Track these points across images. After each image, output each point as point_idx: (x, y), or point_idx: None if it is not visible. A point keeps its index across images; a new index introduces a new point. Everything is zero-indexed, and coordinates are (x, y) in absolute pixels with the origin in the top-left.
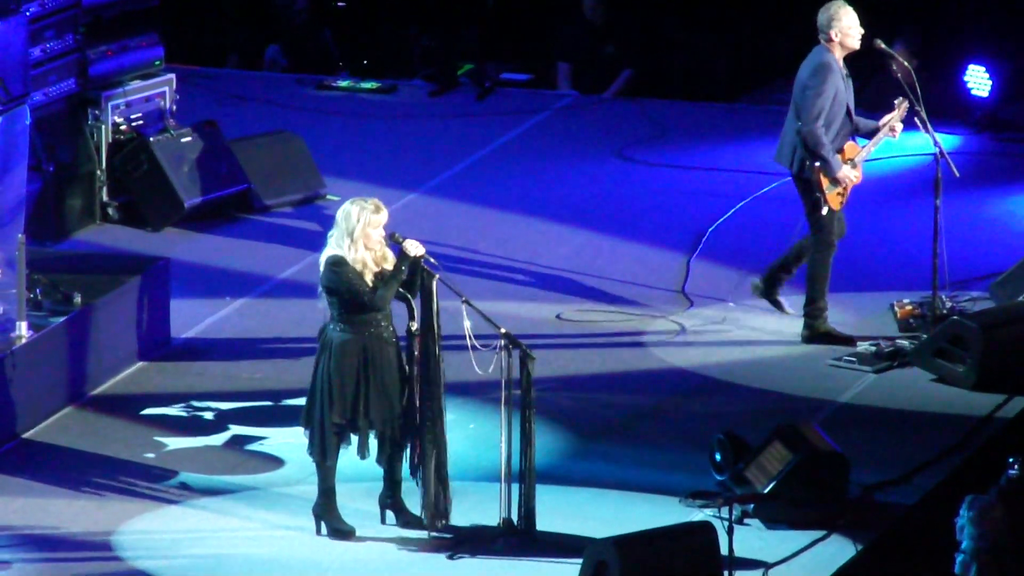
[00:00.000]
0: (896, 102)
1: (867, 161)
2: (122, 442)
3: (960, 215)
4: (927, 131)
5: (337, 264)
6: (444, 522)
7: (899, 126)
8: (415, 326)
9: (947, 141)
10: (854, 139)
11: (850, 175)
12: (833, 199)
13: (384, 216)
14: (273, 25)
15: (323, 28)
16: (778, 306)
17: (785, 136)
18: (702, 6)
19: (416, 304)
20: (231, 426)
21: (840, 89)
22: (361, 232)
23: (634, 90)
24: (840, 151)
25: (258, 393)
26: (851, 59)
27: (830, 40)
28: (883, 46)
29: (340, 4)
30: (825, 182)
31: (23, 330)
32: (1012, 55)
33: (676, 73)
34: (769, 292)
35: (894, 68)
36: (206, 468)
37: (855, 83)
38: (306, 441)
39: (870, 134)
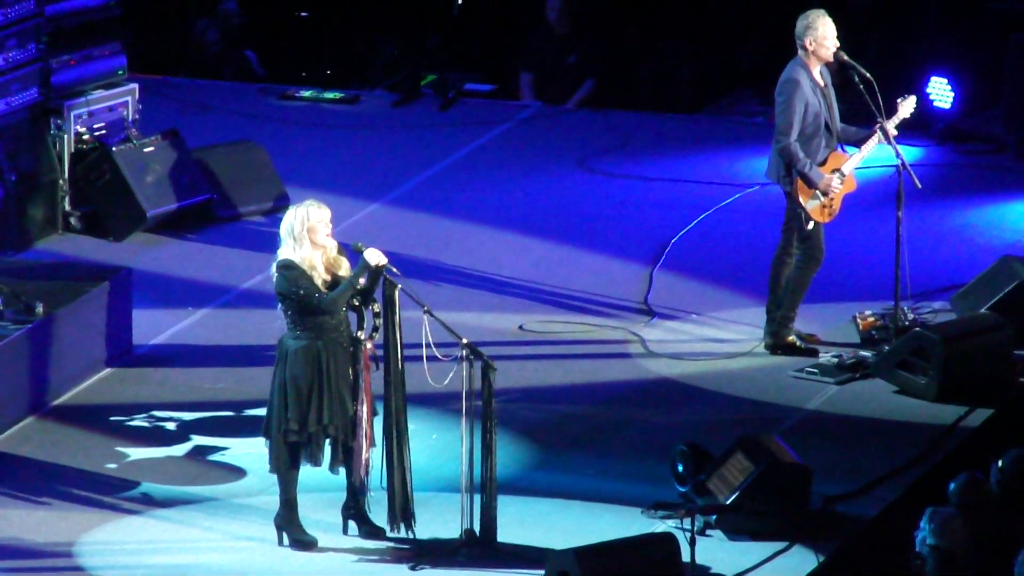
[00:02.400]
0: (899, 101)
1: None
2: (84, 452)
3: (922, 227)
4: (890, 143)
5: (286, 267)
6: (410, 526)
7: (892, 130)
8: (363, 335)
9: (909, 153)
10: (841, 148)
11: (834, 186)
12: (818, 213)
13: (326, 212)
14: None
15: (241, 52)
16: (806, 347)
17: (771, 152)
18: (665, 17)
19: (368, 314)
20: (193, 436)
21: (811, 102)
22: (302, 228)
23: (597, 100)
24: (823, 163)
25: (220, 403)
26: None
27: (804, 49)
28: (844, 57)
29: (303, 14)
30: (805, 196)
31: None
32: (974, 67)
33: (639, 84)
34: (784, 342)
35: (856, 79)
36: (168, 478)
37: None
38: (267, 452)
39: (859, 142)
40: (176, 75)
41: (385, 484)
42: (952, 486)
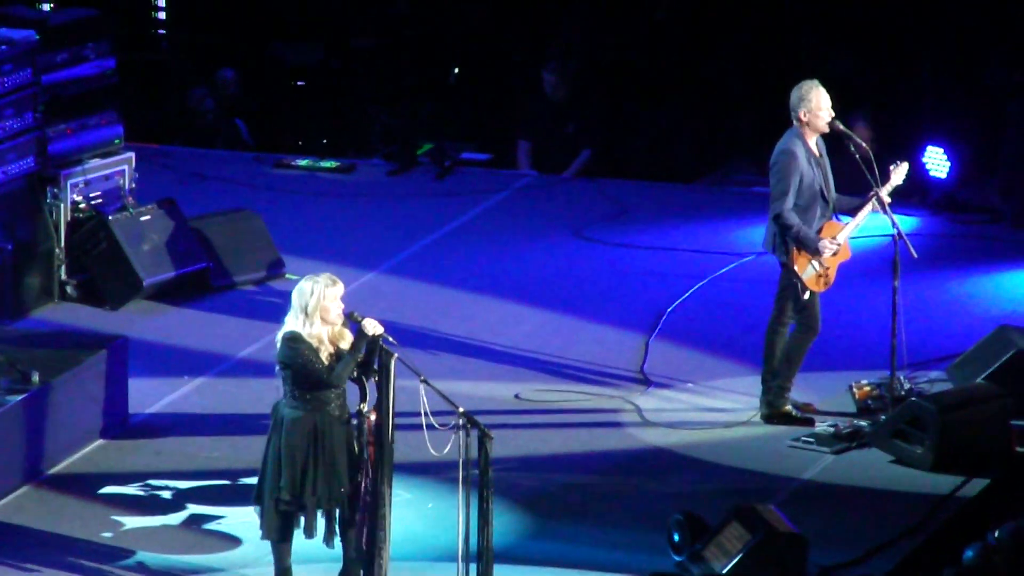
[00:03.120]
0: (892, 167)
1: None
2: (79, 521)
3: (918, 296)
4: (885, 212)
5: (293, 340)
6: None
7: (887, 198)
8: (365, 407)
9: (905, 222)
10: (836, 218)
11: (828, 246)
12: (813, 282)
13: (340, 289)
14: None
15: (232, 120)
16: (803, 417)
17: (768, 222)
18: (662, 87)
19: (370, 385)
20: (188, 505)
21: (806, 172)
22: (316, 306)
23: (594, 170)
24: (818, 231)
25: (216, 472)
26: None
27: (799, 120)
28: (841, 127)
29: (299, 83)
30: (801, 266)
31: None
32: (970, 137)
33: (636, 153)
34: (780, 411)
35: (852, 149)
36: (164, 547)
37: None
38: (257, 519)
39: (854, 211)
40: (172, 144)
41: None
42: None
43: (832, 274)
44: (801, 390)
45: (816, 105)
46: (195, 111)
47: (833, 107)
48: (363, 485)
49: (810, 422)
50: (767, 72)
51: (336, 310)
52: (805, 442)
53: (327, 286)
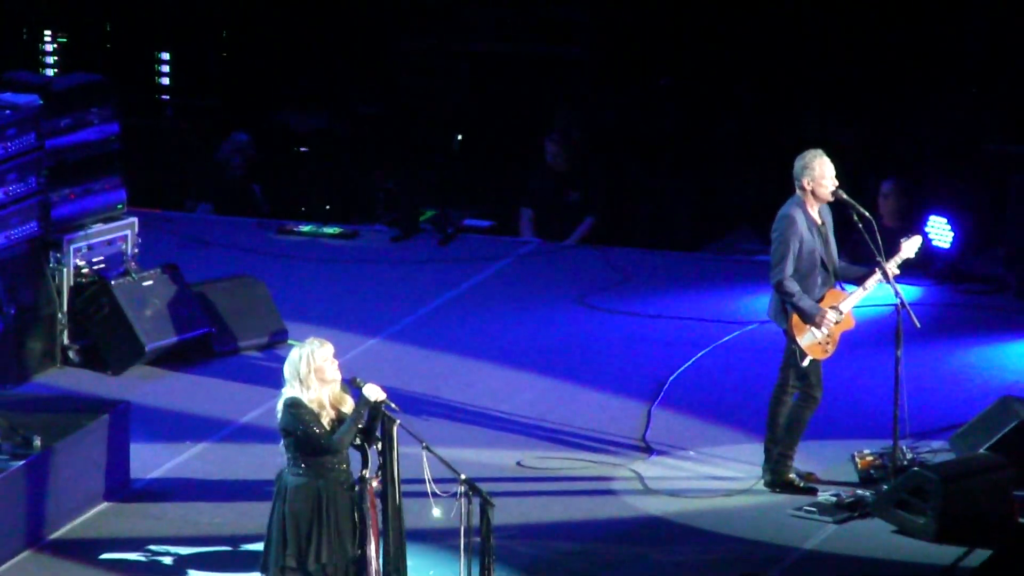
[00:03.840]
0: (903, 240)
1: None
2: None
3: (921, 366)
4: (889, 282)
5: (294, 406)
6: None
7: (892, 271)
8: (368, 473)
9: (908, 292)
10: (840, 286)
11: (828, 319)
12: (814, 349)
13: (329, 348)
14: (208, 178)
15: (251, 183)
16: (805, 486)
17: (772, 290)
18: (665, 155)
19: (372, 452)
20: (190, 571)
21: (806, 239)
22: (309, 370)
23: (597, 237)
24: (820, 299)
25: (218, 538)
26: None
27: (802, 188)
28: (843, 196)
29: (302, 149)
30: (800, 333)
31: None
32: (973, 207)
33: (639, 221)
34: (782, 479)
35: (855, 218)
36: None
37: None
38: None
39: (859, 280)
40: (175, 209)
41: None
42: None
43: (834, 343)
44: (803, 459)
45: (820, 174)
46: (224, 166)
47: (837, 176)
48: (367, 552)
49: (812, 491)
50: (770, 141)
51: (331, 369)
52: (807, 511)
53: (315, 349)
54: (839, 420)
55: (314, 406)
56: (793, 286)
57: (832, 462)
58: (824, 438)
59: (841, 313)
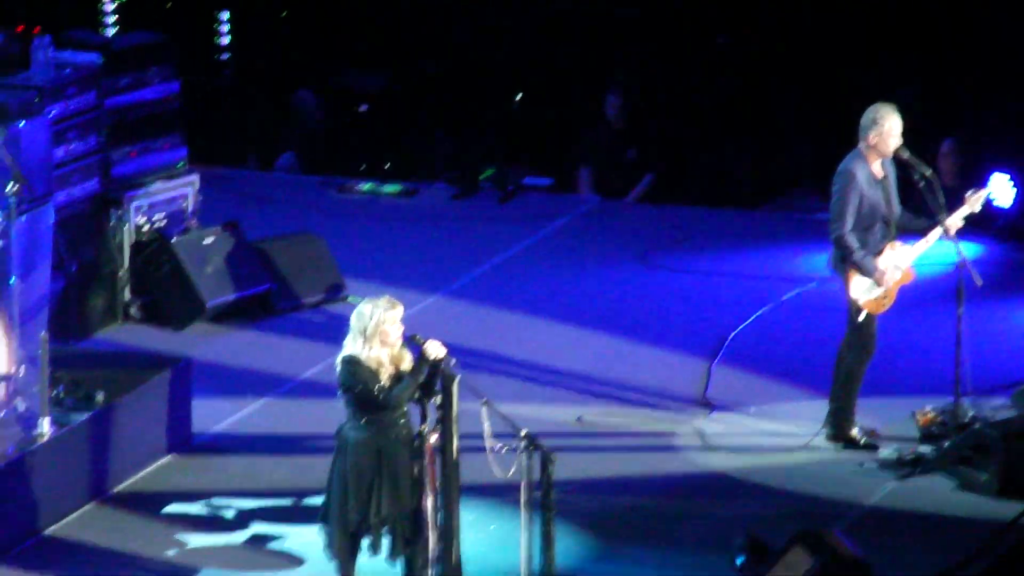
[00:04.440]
0: (967, 195)
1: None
2: (144, 539)
3: (983, 324)
4: (950, 239)
5: (352, 363)
6: None
7: (958, 224)
8: (426, 429)
9: (970, 250)
10: (901, 241)
11: (888, 278)
12: (871, 304)
13: (399, 311)
14: (292, 130)
15: (342, 133)
16: (866, 442)
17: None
18: (725, 112)
19: (431, 407)
20: (252, 524)
21: (867, 194)
22: (376, 330)
23: (656, 195)
24: (879, 254)
25: (279, 491)
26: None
27: (867, 142)
28: (906, 155)
29: (362, 107)
30: (858, 287)
31: (46, 427)
32: None
33: (699, 178)
34: (844, 436)
35: (916, 177)
36: (227, 566)
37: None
38: (323, 539)
39: (922, 232)
40: (237, 166)
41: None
42: None
43: (892, 298)
44: (865, 415)
45: (888, 130)
46: (302, 113)
47: (903, 134)
48: (424, 506)
49: (874, 448)
50: (830, 97)
51: (395, 333)
52: (869, 468)
53: (386, 309)
54: (901, 377)
55: (372, 364)
56: (852, 242)
57: (893, 419)
58: (885, 395)
59: (900, 268)
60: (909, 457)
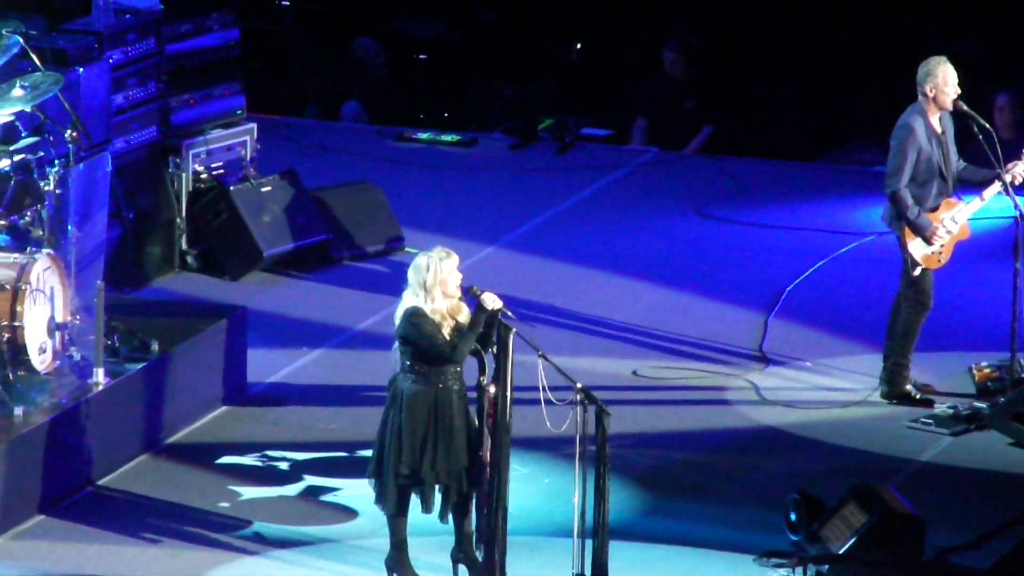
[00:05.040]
0: None
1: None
2: (197, 490)
3: None
4: (1008, 193)
5: (416, 315)
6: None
7: (1017, 179)
8: (485, 380)
9: None
10: (957, 196)
11: (940, 235)
12: (927, 259)
13: (455, 260)
14: (352, 78)
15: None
16: (922, 398)
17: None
18: (783, 64)
19: (488, 359)
20: (305, 476)
21: (925, 148)
22: (435, 280)
23: (714, 147)
24: (935, 209)
25: (333, 444)
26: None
27: (924, 95)
28: (963, 106)
29: (421, 56)
30: (912, 242)
31: (100, 376)
32: None
33: (756, 131)
34: (899, 391)
35: (976, 129)
36: (280, 518)
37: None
38: (373, 492)
39: (981, 185)
40: (295, 116)
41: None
42: None
43: (947, 253)
44: (920, 371)
45: (943, 81)
46: (367, 63)
47: (959, 86)
48: (484, 459)
49: (929, 403)
50: (891, 49)
51: (455, 282)
52: (924, 423)
53: (442, 259)
54: (957, 332)
55: (436, 317)
56: (907, 198)
57: (949, 374)
58: (942, 350)
59: (956, 223)
60: (965, 413)
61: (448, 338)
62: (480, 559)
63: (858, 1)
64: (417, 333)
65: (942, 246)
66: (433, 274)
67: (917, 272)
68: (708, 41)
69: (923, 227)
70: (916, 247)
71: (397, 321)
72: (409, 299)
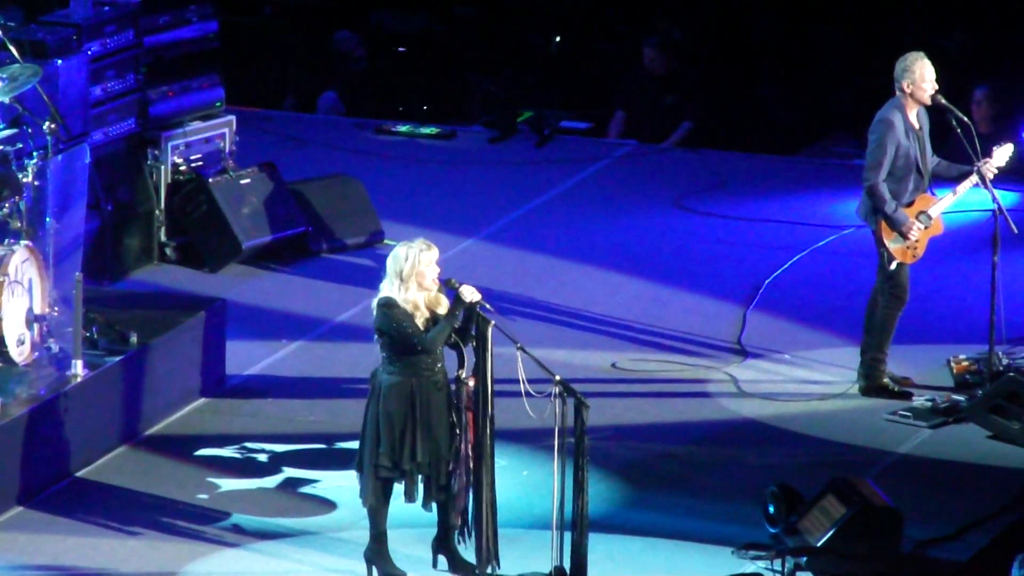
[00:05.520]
0: (995, 148)
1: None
2: (176, 482)
3: (1018, 272)
4: (986, 187)
5: (387, 306)
6: (494, 566)
7: (989, 173)
8: (464, 374)
9: (1006, 197)
10: (931, 191)
11: (914, 229)
12: (901, 253)
13: (435, 254)
14: (332, 70)
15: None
16: (900, 391)
17: (862, 191)
18: (762, 59)
19: (468, 352)
20: (285, 468)
21: (903, 143)
22: (411, 272)
23: (694, 141)
24: (910, 204)
25: (312, 436)
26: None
27: (902, 91)
28: (942, 100)
29: (400, 49)
30: (888, 236)
31: (79, 368)
32: None
33: (736, 125)
34: (877, 384)
35: (954, 123)
36: (259, 510)
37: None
38: (358, 485)
39: (957, 179)
40: (274, 108)
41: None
42: None
43: (922, 247)
44: (899, 363)
45: (920, 77)
46: (346, 56)
47: (938, 81)
48: (462, 450)
49: (907, 396)
50: (869, 44)
51: (431, 275)
52: (902, 416)
53: (422, 251)
54: (935, 325)
55: (408, 307)
56: (884, 192)
57: (927, 367)
58: (920, 343)
59: (930, 218)
60: (943, 406)
61: (422, 328)
62: (459, 551)
63: None
64: (388, 323)
65: (916, 241)
66: (411, 265)
67: (893, 266)
68: (689, 36)
69: (899, 222)
70: (892, 242)
71: (373, 312)
72: (384, 289)
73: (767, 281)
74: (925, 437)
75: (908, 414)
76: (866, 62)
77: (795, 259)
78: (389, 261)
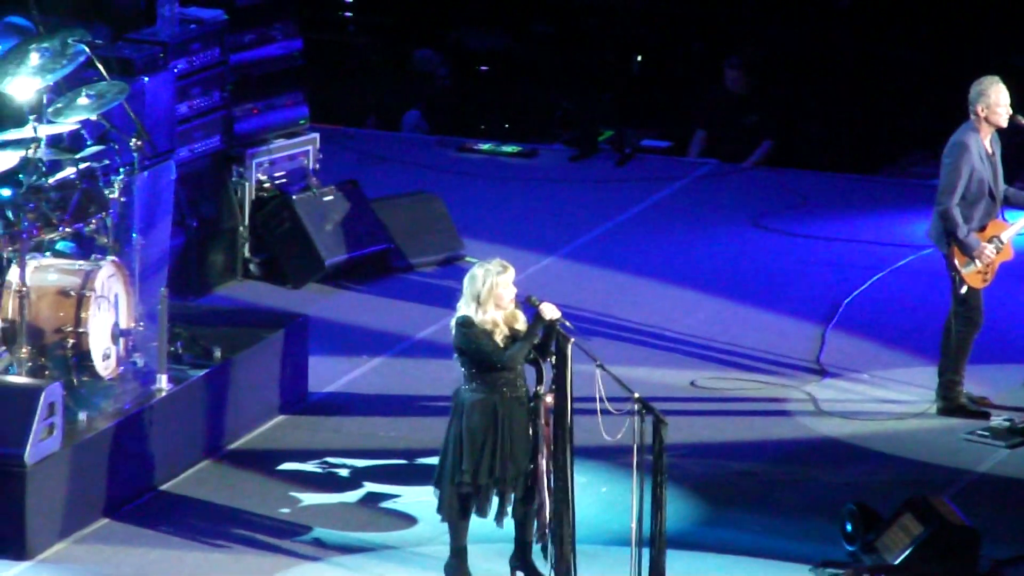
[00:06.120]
0: None
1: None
2: (258, 496)
3: None
4: None
5: (465, 325)
6: None
7: None
8: (542, 390)
9: None
10: (1002, 216)
11: (988, 254)
12: (973, 278)
13: (511, 274)
14: (413, 88)
15: (465, 92)
16: (978, 410)
17: (934, 213)
18: (842, 77)
19: (547, 368)
20: (365, 483)
21: (977, 167)
22: (489, 294)
23: (774, 160)
24: (983, 229)
25: (393, 451)
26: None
27: (976, 115)
28: (1021, 121)
29: (483, 68)
30: (961, 261)
31: (163, 383)
32: None
33: (816, 144)
34: (955, 404)
35: None
36: (340, 525)
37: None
38: (437, 500)
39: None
40: (357, 126)
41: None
42: None
43: (993, 272)
44: (976, 384)
45: (995, 101)
46: (429, 74)
47: (1013, 104)
48: (540, 467)
49: (985, 416)
50: (947, 64)
51: (509, 296)
52: (980, 436)
53: (498, 273)
54: (1012, 346)
55: (487, 325)
56: (958, 216)
57: (1005, 387)
58: (998, 363)
59: (1002, 243)
60: (1021, 426)
61: (501, 345)
62: (536, 567)
63: (916, 17)
64: (467, 342)
65: (987, 266)
66: (488, 287)
67: (964, 290)
68: (769, 56)
69: (972, 247)
70: (963, 266)
71: (452, 332)
72: (462, 309)
73: (846, 301)
74: (1002, 457)
75: (986, 434)
76: (943, 81)
77: (874, 279)
78: (466, 282)
